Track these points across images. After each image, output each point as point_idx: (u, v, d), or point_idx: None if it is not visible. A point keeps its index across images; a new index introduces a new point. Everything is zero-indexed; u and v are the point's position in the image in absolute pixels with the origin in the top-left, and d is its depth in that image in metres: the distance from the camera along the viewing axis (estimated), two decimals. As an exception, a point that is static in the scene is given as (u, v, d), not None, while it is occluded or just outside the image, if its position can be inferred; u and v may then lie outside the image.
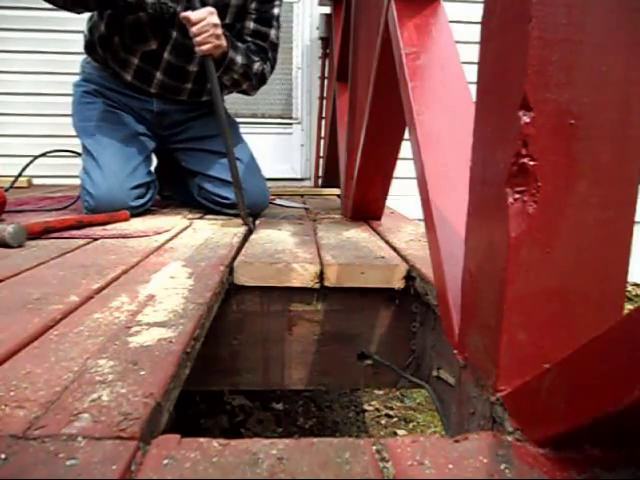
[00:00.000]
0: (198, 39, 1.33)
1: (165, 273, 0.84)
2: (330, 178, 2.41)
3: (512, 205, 0.40)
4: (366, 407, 1.71)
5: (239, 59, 1.48)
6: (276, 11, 1.59)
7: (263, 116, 3.05)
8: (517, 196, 0.40)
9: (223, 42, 1.39)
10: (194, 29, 1.33)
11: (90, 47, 1.56)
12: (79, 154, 1.55)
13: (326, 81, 2.80)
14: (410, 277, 0.87)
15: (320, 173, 2.88)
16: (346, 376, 0.95)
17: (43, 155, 1.59)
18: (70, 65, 1.97)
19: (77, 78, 1.62)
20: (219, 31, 1.36)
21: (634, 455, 0.35)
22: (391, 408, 1.70)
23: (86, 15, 1.51)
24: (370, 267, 0.87)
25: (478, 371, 0.47)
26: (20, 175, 1.68)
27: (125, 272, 0.84)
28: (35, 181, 2.48)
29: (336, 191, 2.16)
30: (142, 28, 1.47)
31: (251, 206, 1.53)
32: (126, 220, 1.37)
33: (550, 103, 0.38)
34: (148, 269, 0.86)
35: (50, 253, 0.96)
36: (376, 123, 1.13)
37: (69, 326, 0.59)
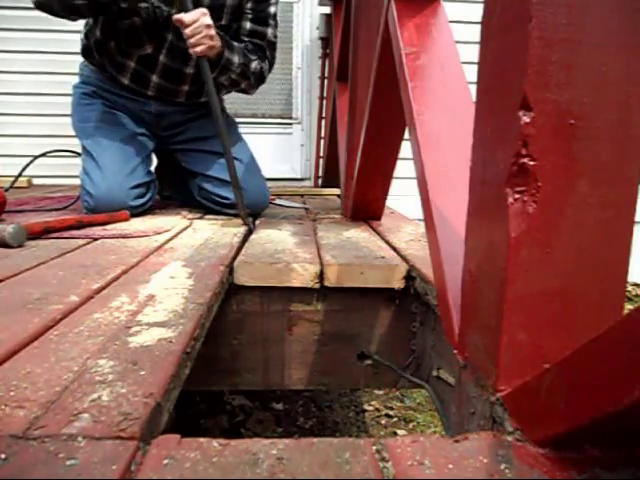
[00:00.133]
0: (192, 41, 1.33)
1: (165, 273, 0.84)
2: (330, 178, 2.41)
3: (512, 205, 0.40)
4: (366, 407, 1.71)
5: (236, 59, 1.48)
6: (272, 10, 1.58)
7: (263, 116, 3.05)
8: (517, 196, 0.40)
9: (217, 42, 1.38)
10: (187, 31, 1.32)
11: (87, 51, 1.57)
12: (79, 154, 1.55)
13: (326, 81, 2.80)
14: (410, 277, 0.87)
15: (320, 173, 2.88)
16: (346, 376, 0.95)
17: (43, 155, 1.59)
18: (70, 65, 1.97)
19: (76, 80, 1.63)
20: (212, 31, 1.35)
21: (634, 455, 0.35)
22: (391, 408, 1.70)
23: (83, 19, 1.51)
24: (370, 267, 0.87)
25: (478, 371, 0.47)
26: (20, 175, 1.68)
27: (125, 272, 0.84)
28: (35, 181, 2.48)
29: (336, 191, 2.16)
30: (137, 32, 1.47)
31: (251, 206, 1.53)
32: (126, 220, 1.37)
33: (550, 103, 0.38)
34: (148, 269, 0.86)
35: (50, 253, 0.96)
36: (376, 123, 1.13)
37: (69, 326, 0.59)
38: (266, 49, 1.59)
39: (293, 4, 2.97)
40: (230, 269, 0.88)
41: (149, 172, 1.56)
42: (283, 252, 0.96)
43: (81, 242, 1.08)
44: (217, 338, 0.90)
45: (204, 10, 1.35)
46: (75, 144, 1.58)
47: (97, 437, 0.36)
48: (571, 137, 0.39)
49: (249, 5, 1.54)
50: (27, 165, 1.62)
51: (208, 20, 1.34)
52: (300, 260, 0.88)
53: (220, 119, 1.38)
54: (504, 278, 0.41)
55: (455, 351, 0.53)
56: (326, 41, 2.81)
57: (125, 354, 0.51)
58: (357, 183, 1.30)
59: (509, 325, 0.41)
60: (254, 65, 1.55)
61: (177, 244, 1.09)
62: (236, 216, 1.45)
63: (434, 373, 0.84)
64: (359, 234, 1.20)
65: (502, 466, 0.36)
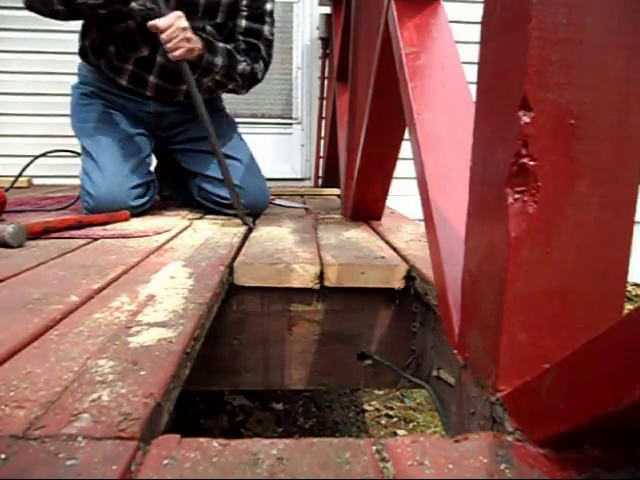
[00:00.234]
0: (169, 45, 1.33)
1: (165, 273, 0.84)
2: (330, 178, 2.41)
3: (512, 205, 0.40)
4: (366, 407, 1.71)
5: (219, 60, 1.46)
6: (268, 7, 1.56)
7: (263, 116, 3.05)
8: (517, 196, 0.40)
9: (196, 45, 1.37)
10: (164, 36, 1.32)
11: (83, 52, 1.58)
12: (79, 154, 1.55)
13: (326, 81, 2.80)
14: (410, 277, 0.87)
15: (320, 173, 2.88)
16: (346, 376, 0.95)
17: (43, 155, 1.60)
18: (69, 65, 1.97)
19: (75, 80, 1.63)
20: (189, 34, 1.34)
21: (634, 455, 0.35)
22: (391, 408, 1.70)
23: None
24: (370, 267, 0.87)
25: (478, 371, 0.47)
26: (20, 175, 1.68)
27: (125, 272, 0.84)
28: (35, 181, 2.48)
29: (336, 191, 2.16)
30: (132, 36, 1.47)
31: (251, 206, 1.53)
32: (126, 220, 1.37)
33: (550, 103, 0.38)
34: (148, 269, 0.86)
35: (50, 253, 0.96)
36: (376, 123, 1.13)
37: (69, 326, 0.59)
38: (261, 48, 1.58)
39: (293, 4, 2.97)
40: (230, 269, 0.88)
41: (149, 172, 1.56)
42: (283, 251, 0.96)
43: (81, 242, 1.08)
44: (217, 338, 0.90)
45: (179, 13, 1.34)
46: (75, 144, 1.58)
47: (97, 437, 0.36)
48: (571, 137, 0.39)
49: (244, 2, 1.52)
50: (27, 165, 1.62)
51: (184, 23, 1.33)
52: (300, 260, 0.88)
53: (207, 120, 1.38)
54: (504, 278, 0.41)
55: (455, 351, 0.53)
56: (326, 41, 2.81)
57: (125, 354, 0.51)
58: (357, 183, 1.30)
59: (509, 325, 0.41)
60: (242, 67, 1.53)
61: (177, 244, 1.09)
62: (236, 216, 1.45)
63: (434, 373, 0.84)
64: (359, 234, 1.20)
65: (502, 466, 0.36)
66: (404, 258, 0.92)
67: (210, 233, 1.23)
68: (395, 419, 1.63)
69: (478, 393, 0.47)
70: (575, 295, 0.41)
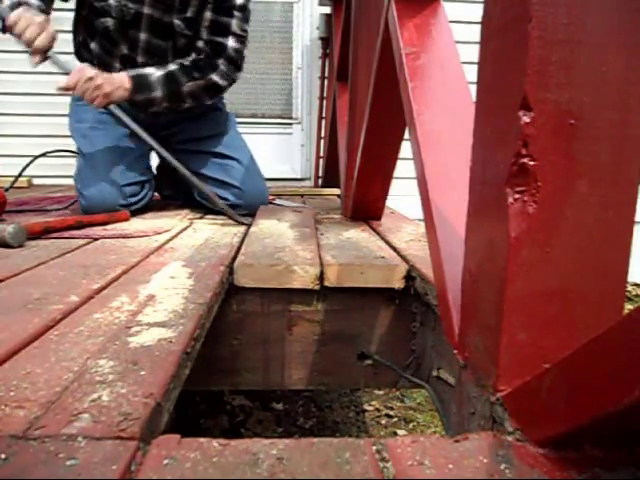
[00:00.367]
0: (85, 98, 1.33)
1: (165, 273, 0.84)
2: (330, 178, 2.41)
3: (512, 205, 0.40)
4: (366, 407, 1.71)
5: (157, 93, 1.43)
6: (239, 0, 1.49)
7: (263, 116, 3.05)
8: (517, 196, 0.40)
9: (113, 86, 1.35)
10: (75, 92, 1.33)
11: (77, 50, 1.59)
12: (78, 154, 1.55)
13: (326, 81, 2.80)
14: (410, 277, 0.87)
15: (320, 173, 2.88)
16: (346, 376, 0.95)
17: (43, 155, 1.60)
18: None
19: None
20: (99, 81, 1.33)
21: (634, 455, 0.35)
22: (391, 408, 1.70)
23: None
24: (370, 267, 0.87)
25: (478, 371, 0.47)
26: (20, 175, 1.68)
27: (125, 272, 0.84)
28: (35, 181, 2.48)
29: (336, 191, 2.16)
30: (110, 33, 1.47)
31: (250, 206, 1.54)
32: (126, 220, 1.37)
33: (550, 103, 0.38)
34: (148, 269, 0.86)
35: (50, 253, 0.96)
36: (376, 123, 1.13)
37: (69, 326, 0.59)
38: (222, 53, 1.49)
39: (293, 4, 2.97)
40: (230, 269, 0.88)
41: (145, 171, 1.56)
42: (283, 250, 0.96)
43: (81, 242, 1.08)
44: (217, 338, 0.90)
45: (82, 66, 1.35)
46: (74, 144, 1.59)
47: (97, 437, 0.36)
48: (571, 137, 0.39)
49: None
50: (27, 165, 1.62)
51: (89, 73, 1.33)
52: (300, 261, 0.88)
53: (184, 171, 1.41)
54: (504, 278, 0.41)
55: (455, 351, 0.53)
56: (326, 41, 2.81)
57: (125, 354, 0.51)
58: (357, 183, 1.30)
59: (509, 325, 0.41)
60: (188, 88, 1.47)
61: (177, 244, 1.09)
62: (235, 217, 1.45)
63: (434, 373, 0.84)
64: (359, 234, 1.20)
65: (502, 466, 0.36)
66: (404, 258, 0.92)
67: (210, 233, 1.23)
68: (395, 419, 1.63)
69: (478, 393, 0.47)
70: (575, 295, 0.41)
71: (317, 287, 0.88)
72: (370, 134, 1.16)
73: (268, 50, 3.02)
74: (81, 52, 1.58)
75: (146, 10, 1.42)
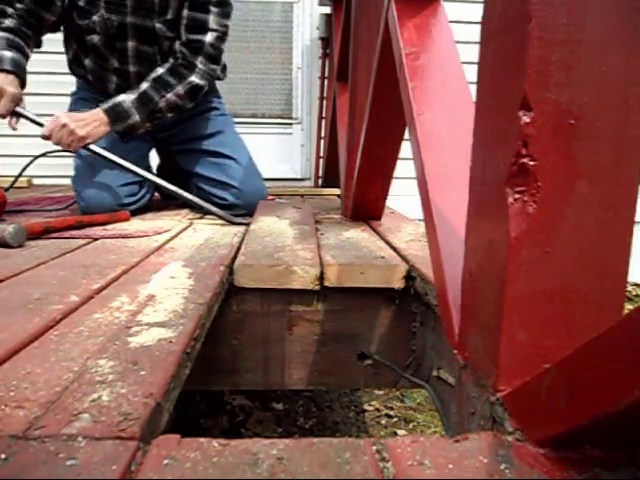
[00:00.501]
0: (62, 146, 1.34)
1: (165, 273, 0.84)
2: (330, 178, 2.41)
3: (512, 205, 0.40)
4: (366, 407, 1.71)
5: (135, 118, 1.41)
6: None
7: (263, 116, 3.05)
8: (517, 196, 0.40)
9: (86, 128, 1.35)
10: (53, 142, 1.34)
11: (70, 66, 1.60)
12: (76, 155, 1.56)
13: (326, 81, 2.80)
14: (410, 277, 0.87)
15: (320, 173, 2.88)
16: (346, 376, 0.95)
17: (43, 155, 1.59)
18: (70, 65, 1.98)
19: (73, 88, 1.68)
20: (71, 126, 1.32)
21: (634, 455, 0.35)
22: (391, 408, 1.70)
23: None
24: (370, 267, 0.87)
25: (478, 371, 0.47)
26: (20, 175, 1.68)
27: (125, 272, 0.84)
28: (35, 181, 2.48)
29: (336, 191, 2.16)
30: (99, 49, 1.48)
31: (248, 206, 1.54)
32: (126, 220, 1.37)
33: (550, 103, 0.38)
34: (148, 269, 0.86)
35: (50, 253, 0.96)
36: (376, 123, 1.13)
37: (69, 326, 0.59)
38: (200, 52, 1.47)
39: (293, 4, 2.97)
40: (230, 269, 0.88)
41: (145, 170, 1.56)
42: (283, 250, 0.96)
43: (81, 242, 1.08)
44: (217, 338, 0.90)
45: (54, 117, 1.34)
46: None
47: (97, 437, 0.36)
48: (571, 137, 0.39)
49: None
50: (27, 165, 1.62)
51: (62, 120, 1.33)
52: (300, 262, 0.88)
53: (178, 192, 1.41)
54: (504, 278, 0.41)
55: (455, 351, 0.53)
56: (326, 41, 2.81)
57: (125, 354, 0.51)
58: (357, 183, 1.30)
59: (509, 325, 0.41)
60: (165, 101, 1.44)
61: (177, 244, 1.09)
62: (235, 216, 1.45)
63: (434, 373, 0.84)
64: (359, 234, 1.20)
65: (502, 466, 0.36)
66: (404, 258, 0.92)
67: (210, 233, 1.23)
68: (395, 419, 1.63)
69: (478, 393, 0.47)
70: (575, 295, 0.41)
71: (317, 288, 0.88)
72: (370, 134, 1.16)
73: (268, 50, 3.02)
74: (73, 68, 1.60)
75: (129, 19, 1.43)
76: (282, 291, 0.89)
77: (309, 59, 2.99)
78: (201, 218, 1.49)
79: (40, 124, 1.34)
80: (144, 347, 0.53)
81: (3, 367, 0.48)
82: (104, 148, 1.45)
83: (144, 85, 1.43)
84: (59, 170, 2.53)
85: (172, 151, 1.71)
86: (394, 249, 1.01)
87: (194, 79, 1.47)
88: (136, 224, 1.32)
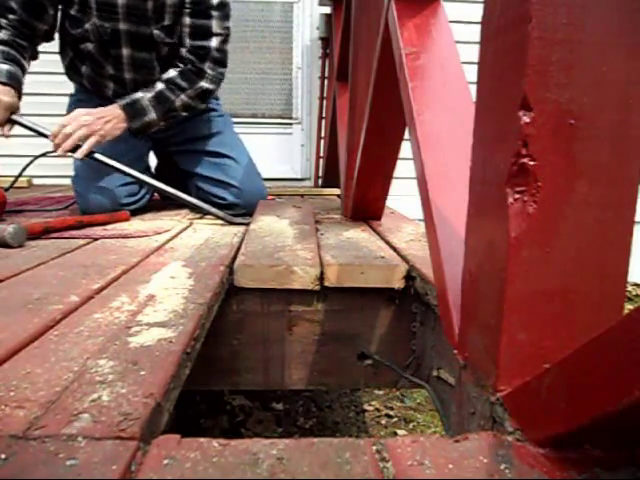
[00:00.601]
0: (74, 140, 1.34)
1: (165, 273, 0.84)
2: (330, 178, 2.41)
3: (512, 205, 0.40)
4: (366, 407, 1.71)
5: (151, 116, 1.44)
6: (214, 0, 1.45)
7: (263, 116, 3.05)
8: (517, 196, 0.40)
9: (105, 125, 1.36)
10: (66, 131, 1.34)
11: (67, 72, 1.61)
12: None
13: (326, 81, 2.80)
14: (410, 277, 0.87)
15: (320, 173, 2.88)
16: (346, 376, 0.95)
17: (43, 155, 1.59)
18: (70, 65, 1.99)
19: (72, 89, 1.68)
20: (90, 119, 1.33)
21: (634, 455, 0.35)
22: (391, 408, 1.70)
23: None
24: (370, 267, 0.87)
25: (478, 371, 0.47)
26: (20, 175, 1.68)
27: (125, 272, 0.84)
28: (35, 181, 2.48)
29: (336, 191, 2.16)
30: (94, 56, 1.49)
31: (248, 206, 1.54)
32: (126, 220, 1.37)
33: (550, 103, 0.38)
34: (148, 269, 0.86)
35: (50, 253, 0.96)
36: (376, 123, 1.13)
37: (69, 326, 0.59)
38: (207, 57, 1.49)
39: (293, 4, 2.97)
40: (230, 269, 0.88)
41: (143, 171, 1.56)
42: (283, 249, 0.96)
43: (81, 242, 1.08)
44: (217, 338, 0.90)
45: (64, 119, 1.36)
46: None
47: (97, 437, 0.36)
48: (571, 137, 0.39)
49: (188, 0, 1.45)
50: (27, 165, 1.62)
51: (82, 112, 1.35)
52: (300, 262, 0.88)
53: (179, 195, 1.41)
54: (504, 278, 0.41)
55: (455, 351, 0.53)
56: (326, 41, 2.81)
57: (125, 354, 0.51)
58: (357, 183, 1.30)
59: (509, 325, 0.41)
60: (180, 101, 1.48)
61: (177, 244, 1.09)
62: (235, 216, 1.45)
63: (434, 373, 0.84)
64: (359, 234, 1.20)
65: (502, 466, 0.36)
66: (404, 258, 0.92)
67: (210, 233, 1.23)
68: (395, 419, 1.63)
69: (478, 393, 0.47)
70: (575, 295, 0.41)
71: (317, 288, 0.88)
72: (370, 134, 1.16)
73: (268, 50, 3.02)
74: (70, 74, 1.61)
75: (122, 26, 1.42)
76: (282, 291, 0.89)
77: (309, 59, 2.99)
78: (201, 218, 1.49)
79: (37, 131, 1.34)
80: (144, 347, 0.53)
81: (3, 367, 0.48)
82: (104, 147, 1.45)
83: (159, 85, 1.45)
84: (59, 170, 2.53)
85: (171, 152, 1.71)
86: (394, 249, 1.01)
87: (204, 84, 1.49)
88: (136, 224, 1.32)
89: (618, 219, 0.41)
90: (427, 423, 1.60)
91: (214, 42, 1.48)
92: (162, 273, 0.84)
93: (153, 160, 1.80)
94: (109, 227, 1.26)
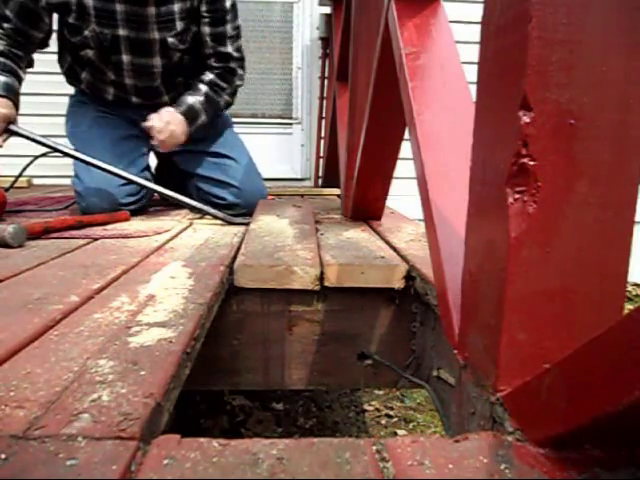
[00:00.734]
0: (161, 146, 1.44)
1: (165, 273, 0.84)
2: (330, 178, 2.41)
3: (512, 205, 0.40)
4: (366, 407, 1.71)
5: (203, 119, 1.52)
6: (228, 4, 1.51)
7: (263, 116, 3.05)
8: (517, 196, 0.40)
9: (181, 137, 1.46)
10: (158, 138, 1.43)
11: (66, 77, 1.62)
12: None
13: (326, 81, 2.80)
14: (410, 277, 0.87)
15: (320, 173, 2.88)
16: (346, 376, 0.95)
17: (43, 155, 1.59)
18: (70, 65, 1.99)
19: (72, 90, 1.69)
20: (172, 127, 1.43)
21: (634, 455, 0.35)
22: (391, 408, 1.70)
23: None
24: (370, 267, 0.87)
25: (478, 371, 0.47)
26: (20, 175, 1.68)
27: (125, 272, 0.84)
28: (35, 181, 2.47)
29: (336, 191, 2.16)
30: (95, 63, 1.49)
31: (248, 205, 1.54)
32: (126, 220, 1.37)
33: (550, 103, 0.38)
34: (148, 269, 0.86)
35: (50, 253, 0.96)
36: (376, 123, 1.13)
37: (69, 326, 0.59)
38: (230, 59, 1.57)
39: (293, 4, 2.97)
40: (230, 269, 0.88)
41: (143, 171, 1.56)
42: (283, 249, 0.96)
43: (81, 242, 1.08)
44: (217, 338, 0.90)
45: (158, 115, 1.42)
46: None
47: (97, 437, 0.36)
48: (571, 137, 0.39)
49: (204, 8, 1.49)
50: (27, 165, 1.62)
51: (166, 118, 1.43)
52: (300, 262, 0.88)
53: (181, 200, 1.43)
54: (504, 278, 0.41)
55: (455, 351, 0.53)
56: (326, 41, 2.81)
57: (125, 354, 0.51)
58: (357, 183, 1.30)
59: (509, 325, 0.41)
60: (224, 101, 1.59)
61: (177, 244, 1.09)
62: (234, 216, 1.45)
63: (434, 373, 0.84)
64: (359, 234, 1.20)
65: (502, 466, 0.36)
66: (404, 258, 0.92)
67: (210, 233, 1.23)
68: (395, 419, 1.63)
69: (478, 393, 0.47)
70: (575, 295, 0.41)
71: (317, 288, 0.88)
72: (370, 134, 1.16)
73: (268, 50, 3.02)
74: (69, 80, 1.61)
75: (121, 32, 1.43)
76: (282, 291, 0.89)
77: (309, 59, 2.99)
78: (201, 218, 1.49)
79: (34, 139, 1.35)
80: (144, 347, 0.53)
81: (3, 367, 0.48)
82: (104, 147, 1.45)
83: (204, 88, 1.53)
84: (59, 170, 2.53)
85: (170, 152, 1.71)
86: (394, 249, 1.01)
87: (238, 82, 1.60)
88: (136, 224, 1.32)
89: (618, 219, 0.41)
90: (427, 423, 1.60)
91: (233, 44, 1.56)
92: (162, 273, 0.84)
93: (153, 160, 1.80)
94: (109, 227, 1.26)
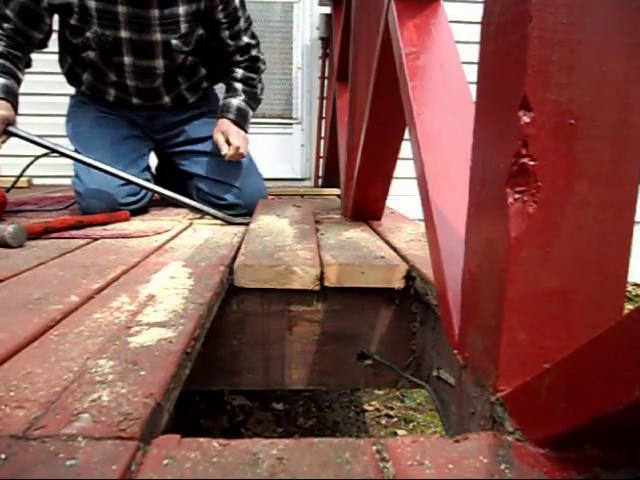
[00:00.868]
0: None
1: (165, 273, 0.84)
2: (330, 178, 2.41)
3: (512, 205, 0.40)
4: (366, 407, 1.71)
5: (250, 113, 1.65)
6: (237, 2, 1.54)
7: (263, 116, 3.05)
8: (517, 196, 0.40)
9: (246, 138, 1.58)
10: (238, 153, 1.50)
11: (67, 78, 1.62)
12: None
13: (326, 81, 2.80)
14: (410, 277, 0.87)
15: (320, 173, 2.88)
16: (346, 376, 0.95)
17: (44, 155, 1.59)
18: (70, 65, 1.99)
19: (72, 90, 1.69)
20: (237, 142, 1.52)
21: (634, 455, 0.35)
22: (391, 408, 1.70)
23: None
24: (370, 267, 0.87)
25: (478, 371, 0.47)
26: (21, 175, 1.68)
27: (125, 272, 0.84)
28: (35, 181, 2.47)
29: (336, 191, 2.16)
30: (96, 64, 1.50)
31: (248, 205, 1.54)
32: (126, 220, 1.37)
33: (550, 103, 0.38)
34: (148, 269, 0.86)
35: (50, 253, 0.96)
36: (376, 123, 1.13)
37: (69, 326, 0.59)
38: (251, 48, 1.64)
39: (293, 4, 2.97)
40: (230, 269, 0.88)
41: (143, 172, 1.56)
42: (283, 249, 0.96)
43: (81, 242, 1.08)
44: (217, 338, 0.90)
45: (232, 131, 1.52)
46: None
47: (97, 437, 0.36)
48: (571, 137, 0.39)
49: (220, 15, 1.52)
50: (28, 165, 1.62)
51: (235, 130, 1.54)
52: (300, 262, 0.88)
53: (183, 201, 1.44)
54: (504, 278, 0.41)
55: (455, 351, 0.53)
56: (326, 41, 2.81)
57: (125, 354, 0.51)
58: (357, 183, 1.30)
59: (509, 325, 0.41)
60: (259, 91, 1.71)
61: (177, 244, 1.09)
62: (234, 216, 1.45)
63: (434, 373, 0.84)
64: (359, 234, 1.20)
65: (502, 466, 0.36)
66: (404, 258, 0.92)
67: (210, 233, 1.23)
68: (395, 419, 1.63)
69: (478, 393, 0.47)
70: (575, 295, 0.41)
71: (317, 288, 0.88)
72: (370, 134, 1.16)
73: (268, 50, 3.01)
74: (69, 81, 1.62)
75: (123, 34, 1.43)
76: (282, 291, 0.89)
77: (309, 59, 2.99)
78: (201, 218, 1.49)
79: (33, 141, 1.35)
80: (144, 347, 0.53)
81: (3, 367, 0.48)
82: (105, 147, 1.45)
83: (239, 85, 1.62)
84: (59, 170, 2.53)
85: (171, 153, 1.71)
86: (394, 249, 1.01)
87: (262, 66, 1.72)
88: (136, 224, 1.32)
89: (618, 219, 0.41)
90: (427, 423, 1.60)
91: (248, 35, 1.62)
92: (162, 273, 0.84)
93: (154, 160, 1.80)
94: (109, 227, 1.26)
